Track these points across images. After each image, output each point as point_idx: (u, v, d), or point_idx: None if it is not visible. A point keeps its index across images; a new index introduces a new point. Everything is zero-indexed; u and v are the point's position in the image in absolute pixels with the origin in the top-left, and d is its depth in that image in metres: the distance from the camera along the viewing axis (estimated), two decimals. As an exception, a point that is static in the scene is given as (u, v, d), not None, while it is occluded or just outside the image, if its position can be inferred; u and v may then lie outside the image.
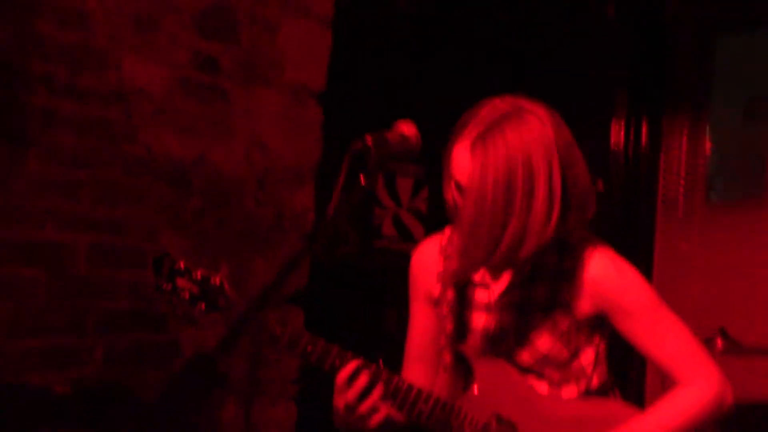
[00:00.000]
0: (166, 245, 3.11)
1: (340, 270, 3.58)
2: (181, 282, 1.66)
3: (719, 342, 2.78)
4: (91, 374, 2.88)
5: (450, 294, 1.72)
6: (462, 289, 1.73)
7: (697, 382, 1.64)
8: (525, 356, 1.68)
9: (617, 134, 3.65)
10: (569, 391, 1.69)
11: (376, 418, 1.62)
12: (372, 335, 3.56)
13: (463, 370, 1.74)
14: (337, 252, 3.45)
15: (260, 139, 3.38)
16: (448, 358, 1.72)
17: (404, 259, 3.42)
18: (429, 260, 1.79)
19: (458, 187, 1.60)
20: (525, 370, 1.69)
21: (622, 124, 3.65)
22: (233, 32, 3.27)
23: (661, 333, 1.65)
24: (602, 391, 1.72)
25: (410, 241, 3.76)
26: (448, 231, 1.79)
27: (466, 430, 1.66)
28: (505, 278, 1.70)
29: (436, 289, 1.76)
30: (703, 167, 3.64)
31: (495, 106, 1.59)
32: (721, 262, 3.46)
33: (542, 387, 1.70)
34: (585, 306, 1.65)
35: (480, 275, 1.72)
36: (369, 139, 1.47)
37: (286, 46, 3.43)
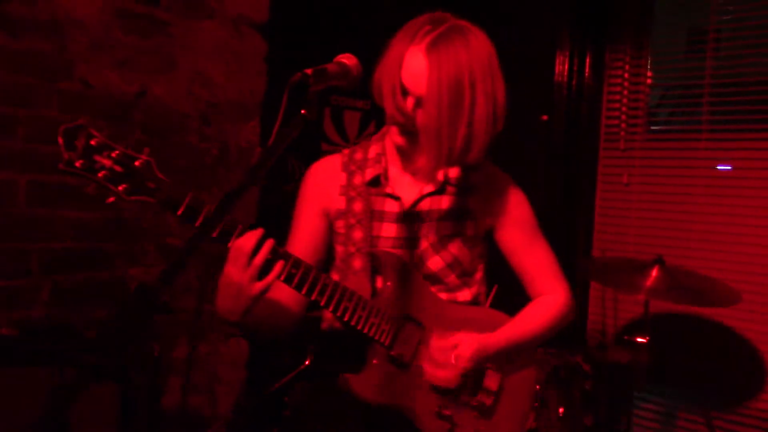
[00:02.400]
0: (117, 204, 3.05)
1: (289, 206, 3.56)
2: (98, 158, 1.47)
3: (656, 268, 2.86)
4: (37, 314, 2.84)
5: (358, 206, 1.84)
6: (370, 201, 1.85)
7: (558, 292, 1.95)
8: (436, 260, 1.85)
9: (561, 66, 3.66)
10: (463, 296, 1.90)
11: (261, 285, 1.58)
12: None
13: (369, 275, 1.84)
14: (285, 188, 3.42)
15: (202, 73, 3.31)
16: (358, 264, 1.83)
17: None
18: (329, 176, 1.90)
19: (409, 95, 1.71)
20: (430, 276, 1.86)
21: (566, 56, 3.65)
22: (171, -39, 3.16)
23: (536, 247, 1.94)
24: (478, 300, 1.95)
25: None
26: (346, 151, 1.92)
27: (384, 326, 1.76)
28: (415, 191, 1.86)
29: (338, 203, 1.88)
30: (644, 100, 3.68)
31: (440, 18, 1.74)
32: (660, 192, 3.53)
33: (441, 293, 1.88)
34: (487, 216, 1.89)
35: (390, 187, 1.86)
36: (308, 71, 1.47)
37: (227, -24, 3.34)
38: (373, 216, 1.84)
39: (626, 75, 3.68)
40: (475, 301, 1.93)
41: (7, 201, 2.79)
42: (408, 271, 1.83)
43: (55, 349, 2.38)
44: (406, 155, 1.85)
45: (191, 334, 2.99)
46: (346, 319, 1.71)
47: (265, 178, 3.41)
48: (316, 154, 3.70)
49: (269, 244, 1.57)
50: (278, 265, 1.58)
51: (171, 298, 1.33)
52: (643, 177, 3.60)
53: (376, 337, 1.75)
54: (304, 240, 1.89)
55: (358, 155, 1.89)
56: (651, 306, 2.94)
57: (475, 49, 1.71)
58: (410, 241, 1.85)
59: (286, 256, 1.62)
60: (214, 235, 1.55)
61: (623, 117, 3.68)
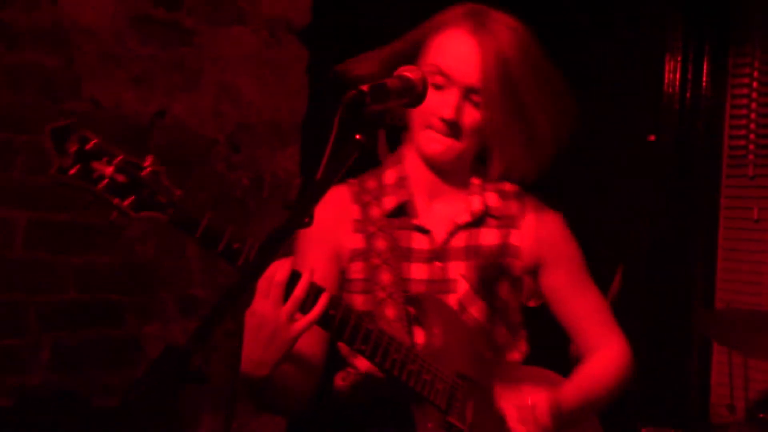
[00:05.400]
0: (120, 222, 3.13)
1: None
2: (97, 165, 1.46)
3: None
4: (36, 380, 2.91)
5: (381, 243, 1.85)
6: (394, 236, 1.86)
7: (615, 345, 1.99)
8: (481, 307, 1.87)
9: (672, 73, 3.64)
10: (513, 356, 1.96)
11: (302, 323, 1.59)
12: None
13: (407, 326, 1.83)
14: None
15: (232, 89, 3.40)
16: (391, 312, 1.82)
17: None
18: (338, 211, 1.88)
19: (453, 86, 1.79)
20: (474, 328, 1.87)
21: (678, 60, 3.64)
22: (196, -43, 3.28)
23: (587, 291, 1.98)
24: (527, 360, 1.99)
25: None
26: (353, 180, 1.92)
27: (437, 386, 1.76)
28: (447, 222, 1.88)
29: (353, 241, 1.88)
30: (778, 113, 3.64)
31: (477, 7, 1.84)
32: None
33: (489, 350, 1.92)
34: (530, 254, 1.92)
35: (418, 218, 1.88)
36: (365, 88, 1.50)
37: (262, -28, 3.44)
38: (399, 254, 1.85)
39: (755, 84, 3.65)
40: (524, 360, 1.97)
41: (1, 243, 2.89)
42: (456, 319, 1.84)
43: (58, 422, 2.44)
44: (438, 179, 1.89)
45: (223, 405, 3.03)
46: (395, 374, 1.70)
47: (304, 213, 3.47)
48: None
49: (309, 271, 1.59)
50: (322, 298, 1.59)
51: (204, 362, 1.31)
52: (779, 210, 3.55)
53: (431, 398, 1.75)
54: None
55: (371, 183, 1.91)
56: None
57: (529, 38, 1.81)
58: (446, 284, 1.86)
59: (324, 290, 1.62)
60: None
61: (752, 136, 3.65)
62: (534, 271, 1.94)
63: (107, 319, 3.09)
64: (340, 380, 1.92)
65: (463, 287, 1.86)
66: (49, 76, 2.97)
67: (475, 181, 1.92)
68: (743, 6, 3.65)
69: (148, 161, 1.51)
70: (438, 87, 1.78)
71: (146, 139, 3.20)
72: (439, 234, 1.87)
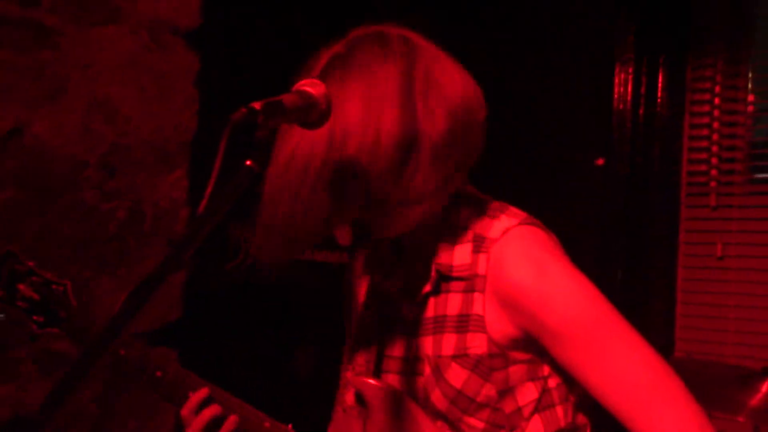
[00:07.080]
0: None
1: (229, 292, 3.58)
2: (22, 287, 1.92)
3: (766, 383, 2.89)
4: None
5: (369, 314, 1.88)
6: (383, 304, 1.86)
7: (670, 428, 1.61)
8: (438, 396, 1.74)
9: (622, 88, 3.72)
10: None
11: None
12: (276, 382, 3.58)
13: (362, 416, 1.81)
14: (223, 267, 3.44)
15: (106, 102, 3.36)
16: (351, 396, 1.83)
17: (321, 273, 3.38)
18: (359, 273, 2.01)
19: None
20: (442, 416, 1.76)
21: (629, 72, 3.72)
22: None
23: (610, 363, 1.65)
24: None
25: (328, 247, 3.78)
26: None
27: None
28: (424, 286, 1.80)
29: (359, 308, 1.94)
30: (745, 135, 3.74)
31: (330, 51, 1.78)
32: (771, 267, 3.57)
33: None
34: (503, 323, 1.70)
35: (402, 283, 1.85)
36: (256, 105, 1.50)
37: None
38: (384, 327, 1.84)
39: (717, 100, 3.73)
40: None
41: None
42: (403, 414, 1.76)
43: None
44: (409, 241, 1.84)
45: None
46: None
47: (196, 255, 3.44)
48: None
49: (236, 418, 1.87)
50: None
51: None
52: (745, 247, 3.64)
53: None
54: None
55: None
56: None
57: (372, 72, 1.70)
58: (417, 363, 1.79)
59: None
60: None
61: (714, 160, 3.73)
62: (524, 344, 1.70)
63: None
64: None
65: (426, 368, 1.76)
66: None
67: (446, 233, 1.76)
68: (702, 11, 3.74)
69: (63, 280, 1.94)
70: None
71: (1, 162, 3.14)
72: (415, 302, 1.80)
